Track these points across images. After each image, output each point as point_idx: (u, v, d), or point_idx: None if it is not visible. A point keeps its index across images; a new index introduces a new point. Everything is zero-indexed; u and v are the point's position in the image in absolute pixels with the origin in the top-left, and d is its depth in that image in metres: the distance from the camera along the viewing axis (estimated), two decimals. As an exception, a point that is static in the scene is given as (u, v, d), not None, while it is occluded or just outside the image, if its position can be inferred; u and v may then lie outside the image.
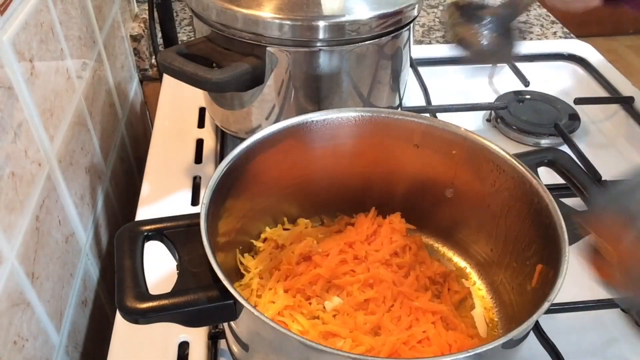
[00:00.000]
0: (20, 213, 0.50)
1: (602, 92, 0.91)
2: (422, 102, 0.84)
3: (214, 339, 0.55)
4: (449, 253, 0.61)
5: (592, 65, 0.96)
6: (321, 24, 0.62)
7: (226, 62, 0.63)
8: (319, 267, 0.55)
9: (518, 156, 0.54)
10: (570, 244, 0.45)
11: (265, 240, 0.60)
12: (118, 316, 0.56)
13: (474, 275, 0.59)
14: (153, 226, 0.48)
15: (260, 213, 0.59)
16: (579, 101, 0.86)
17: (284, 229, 0.61)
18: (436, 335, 0.51)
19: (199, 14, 0.66)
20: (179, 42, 1.01)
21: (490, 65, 0.94)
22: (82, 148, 0.68)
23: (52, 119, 0.59)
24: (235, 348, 0.50)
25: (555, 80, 0.94)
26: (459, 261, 0.61)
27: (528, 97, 0.88)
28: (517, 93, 0.88)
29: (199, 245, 0.43)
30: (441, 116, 0.79)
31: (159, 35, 1.00)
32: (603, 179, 0.71)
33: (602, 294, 0.60)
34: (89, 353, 0.64)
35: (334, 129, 0.57)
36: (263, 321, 0.39)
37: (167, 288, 0.44)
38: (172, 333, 0.55)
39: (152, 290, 0.44)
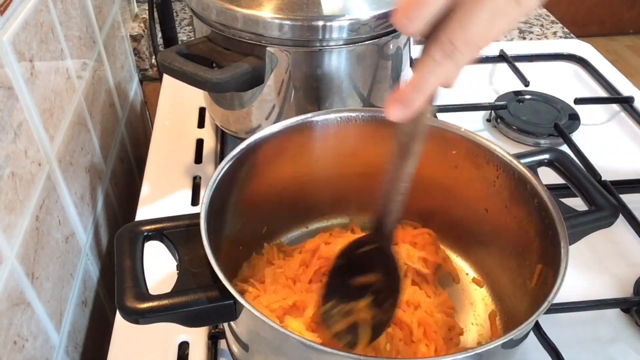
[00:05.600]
0: (20, 213, 0.50)
1: (602, 92, 0.91)
2: (422, 102, 0.84)
3: (214, 339, 0.55)
4: (448, 252, 0.61)
5: (592, 65, 0.96)
6: (321, 24, 0.62)
7: (226, 62, 0.63)
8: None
9: (518, 156, 0.54)
10: (570, 244, 0.45)
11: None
12: (118, 316, 0.56)
13: (473, 274, 0.59)
14: (153, 226, 0.48)
15: (260, 212, 0.59)
16: (579, 101, 0.86)
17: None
18: None
19: (199, 14, 0.66)
20: (179, 42, 1.01)
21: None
22: (82, 148, 0.68)
23: (52, 119, 0.59)
24: (235, 348, 0.50)
25: (555, 80, 0.94)
26: (458, 261, 0.61)
27: (528, 97, 0.88)
28: (517, 93, 0.88)
29: (199, 245, 0.43)
30: (441, 116, 0.79)
31: (159, 35, 1.00)
32: (603, 179, 0.71)
33: (602, 294, 0.60)
34: (89, 353, 0.64)
35: (334, 129, 0.57)
36: (263, 321, 0.39)
37: (167, 288, 0.44)
38: (172, 333, 0.55)
39: (152, 290, 0.44)
